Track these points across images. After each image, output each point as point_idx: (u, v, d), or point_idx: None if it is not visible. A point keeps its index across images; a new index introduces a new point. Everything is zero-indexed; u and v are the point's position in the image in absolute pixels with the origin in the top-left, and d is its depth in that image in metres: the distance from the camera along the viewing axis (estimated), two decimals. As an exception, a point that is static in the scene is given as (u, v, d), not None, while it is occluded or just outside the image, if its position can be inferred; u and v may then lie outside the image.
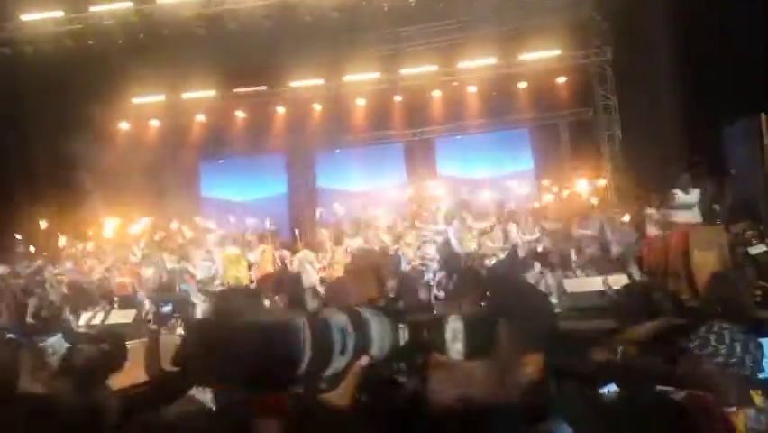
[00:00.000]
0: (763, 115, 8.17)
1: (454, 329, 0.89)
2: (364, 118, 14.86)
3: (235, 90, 14.93)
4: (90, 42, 12.38)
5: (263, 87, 14.90)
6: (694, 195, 8.74)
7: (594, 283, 7.77)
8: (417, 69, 14.41)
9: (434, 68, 14.37)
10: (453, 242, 9.07)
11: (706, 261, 7.44)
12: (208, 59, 13.72)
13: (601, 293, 7.66)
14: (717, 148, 9.26)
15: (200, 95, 14.91)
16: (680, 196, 8.85)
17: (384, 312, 0.87)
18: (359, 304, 0.89)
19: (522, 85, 14.39)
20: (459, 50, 14.11)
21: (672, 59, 11.03)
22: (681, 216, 8.77)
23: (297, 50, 13.49)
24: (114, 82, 14.34)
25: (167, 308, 3.31)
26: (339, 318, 0.82)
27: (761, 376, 2.10)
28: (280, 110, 15.27)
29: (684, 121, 10.87)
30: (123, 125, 15.29)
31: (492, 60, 14.10)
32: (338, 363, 0.81)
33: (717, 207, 8.51)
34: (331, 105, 14.91)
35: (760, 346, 2.11)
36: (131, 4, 12.15)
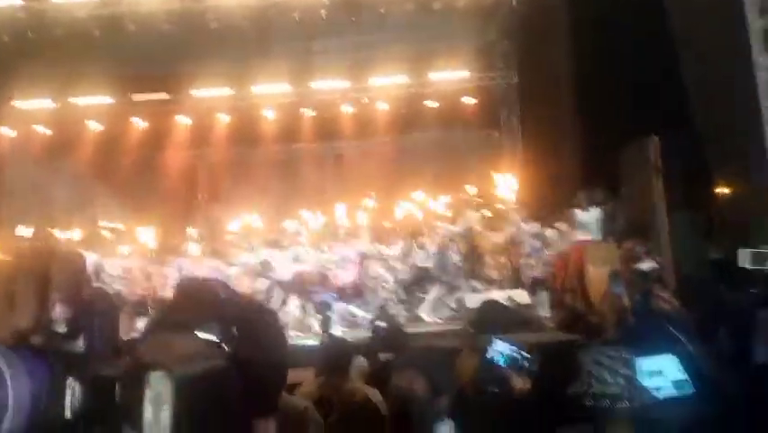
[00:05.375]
0: (654, 138, 8.62)
1: (158, 392, 0.51)
2: (273, 131, 14.49)
3: (133, 97, 14.10)
4: (-31, 38, 11.27)
5: (164, 95, 14.18)
6: (592, 213, 9.11)
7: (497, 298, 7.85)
8: (328, 84, 14.27)
9: (345, 83, 14.28)
10: None
11: (600, 276, 7.67)
12: (104, 63, 12.88)
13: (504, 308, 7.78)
14: (614, 168, 9.69)
15: (94, 101, 13.96)
16: (578, 214, 9.21)
17: (40, 357, 0.53)
18: None
19: (431, 104, 14.57)
20: (370, 67, 14.11)
21: (573, 83, 11.54)
22: (579, 234, 9.11)
23: (202, 57, 12.96)
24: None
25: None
26: None
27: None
28: (183, 120, 14.58)
29: (583, 142, 11.36)
30: (6, 131, 14.05)
31: (402, 79, 14.21)
32: None
33: (611, 224, 8.87)
34: (239, 117, 14.42)
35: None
36: (20, 1, 11.19)
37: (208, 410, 0.57)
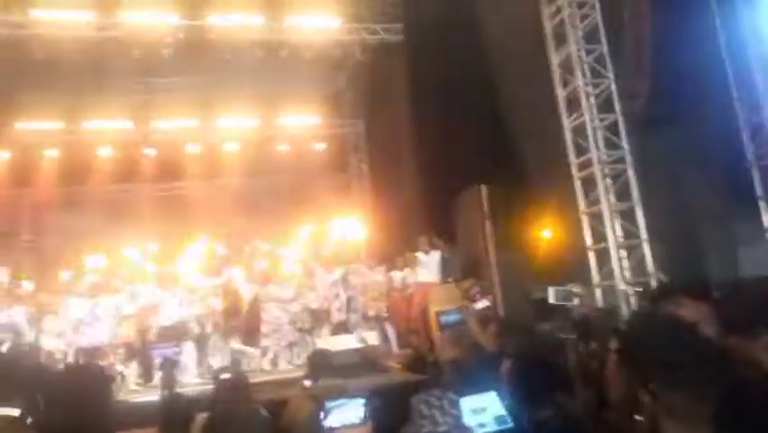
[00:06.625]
0: (483, 187, 9.41)
1: None
2: (109, 170, 13.55)
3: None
4: None
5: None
6: (433, 256, 9.64)
7: (348, 341, 7.99)
8: (173, 123, 13.77)
9: (191, 122, 13.88)
10: None
11: (440, 316, 8.11)
12: None
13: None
14: (450, 214, 10.37)
15: None
16: (420, 257, 9.71)
17: None
18: None
19: (282, 147, 14.62)
20: (218, 107, 13.86)
21: (414, 133, 12.26)
22: (421, 276, 9.59)
23: (26, 88, 11.86)
24: None
25: None
26: None
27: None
28: (2, 155, 13.14)
29: (423, 190, 12.05)
30: None
31: (252, 121, 14.14)
32: None
33: (449, 266, 9.46)
34: (69, 153, 13.31)
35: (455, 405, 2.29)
36: None
37: None
